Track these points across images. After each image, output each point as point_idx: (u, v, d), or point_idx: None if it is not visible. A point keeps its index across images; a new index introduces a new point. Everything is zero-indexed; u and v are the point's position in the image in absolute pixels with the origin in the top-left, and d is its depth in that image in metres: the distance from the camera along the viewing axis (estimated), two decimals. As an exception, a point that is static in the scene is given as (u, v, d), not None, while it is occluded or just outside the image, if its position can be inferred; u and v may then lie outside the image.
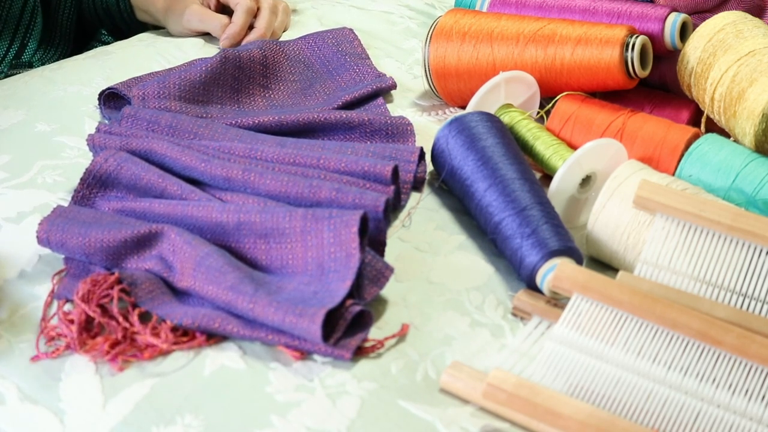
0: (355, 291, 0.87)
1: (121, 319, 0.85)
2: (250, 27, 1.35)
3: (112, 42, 1.49)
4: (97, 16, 1.50)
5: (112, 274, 0.88)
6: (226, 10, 1.38)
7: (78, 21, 1.51)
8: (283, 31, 1.41)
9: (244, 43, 1.32)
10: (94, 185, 1.00)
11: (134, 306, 0.87)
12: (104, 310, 0.86)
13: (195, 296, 0.89)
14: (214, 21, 1.34)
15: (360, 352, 0.85)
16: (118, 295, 0.86)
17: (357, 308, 0.85)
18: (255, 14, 1.35)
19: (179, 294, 0.90)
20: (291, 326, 0.82)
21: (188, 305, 0.88)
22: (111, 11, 1.46)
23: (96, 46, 1.53)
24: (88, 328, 0.85)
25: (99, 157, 1.00)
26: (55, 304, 0.89)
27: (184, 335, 0.85)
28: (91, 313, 0.85)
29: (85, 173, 1.00)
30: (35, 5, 1.39)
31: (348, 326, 0.86)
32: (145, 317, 0.87)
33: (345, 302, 0.85)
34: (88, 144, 1.04)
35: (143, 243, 0.91)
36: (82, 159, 1.08)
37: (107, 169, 0.99)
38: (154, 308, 0.87)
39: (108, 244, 0.91)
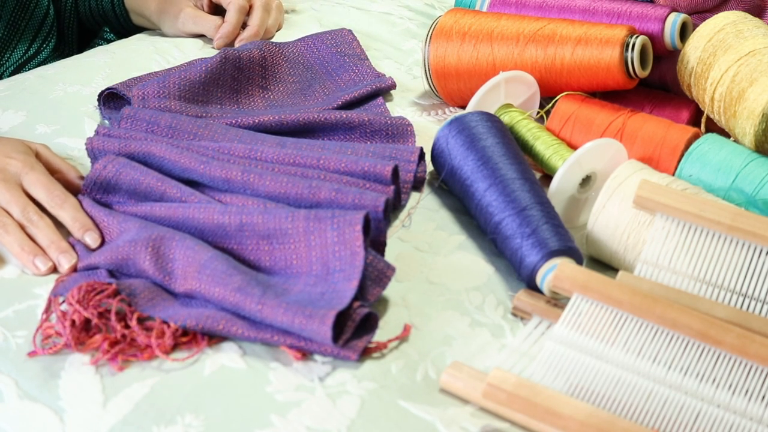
0: (359, 292, 0.87)
1: (119, 326, 0.85)
2: (244, 25, 1.35)
3: (115, 39, 1.49)
4: (95, 22, 1.50)
5: (110, 284, 0.88)
6: (219, 10, 1.39)
7: (79, 22, 1.52)
8: (278, 30, 1.41)
9: (237, 41, 1.33)
10: (94, 192, 1.00)
11: (133, 311, 0.86)
12: (101, 315, 0.86)
13: (198, 298, 0.88)
14: (208, 22, 1.35)
15: (362, 353, 0.85)
16: (117, 304, 0.86)
17: (365, 310, 0.85)
18: (248, 12, 1.36)
19: (180, 298, 0.90)
20: (300, 327, 0.82)
21: (191, 307, 0.88)
22: (107, 17, 1.47)
23: (99, 44, 1.54)
24: (86, 328, 0.85)
25: (98, 164, 1.00)
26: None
27: (184, 335, 0.85)
28: (87, 315, 0.85)
29: (85, 181, 1.00)
30: (53, 12, 1.42)
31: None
32: (146, 319, 0.87)
33: (352, 303, 0.85)
34: (86, 148, 1.04)
35: (143, 252, 0.91)
36: (84, 160, 1.08)
37: (106, 175, 0.99)
38: (157, 313, 0.87)
39: (108, 253, 0.92)
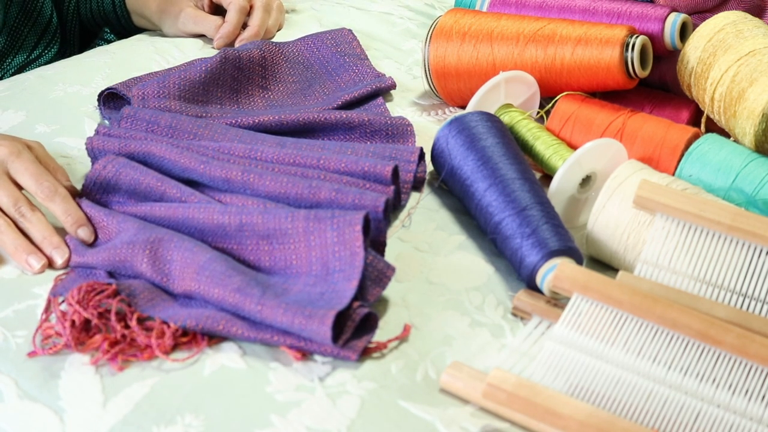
0: (358, 292, 0.87)
1: (119, 327, 0.85)
2: (244, 26, 1.35)
3: (116, 40, 1.49)
4: (95, 23, 1.51)
5: (110, 284, 0.88)
6: (219, 10, 1.39)
7: (80, 24, 1.52)
8: (278, 30, 1.41)
9: (238, 41, 1.33)
10: (94, 192, 1.00)
11: (133, 312, 0.86)
12: (101, 315, 0.86)
13: (198, 299, 0.88)
14: (209, 22, 1.35)
15: (362, 353, 0.85)
16: (117, 305, 0.86)
17: (364, 310, 0.85)
18: (248, 12, 1.36)
19: (180, 298, 0.90)
20: (300, 328, 0.82)
21: (191, 308, 0.88)
22: (108, 18, 1.47)
23: (99, 44, 1.54)
24: (86, 328, 0.85)
25: (98, 164, 1.00)
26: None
27: (184, 335, 0.85)
28: (87, 315, 0.85)
29: (85, 181, 1.00)
30: (57, 19, 1.42)
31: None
32: (146, 319, 0.87)
33: (352, 303, 0.85)
34: (86, 148, 1.04)
35: (140, 255, 0.91)
36: (84, 159, 1.08)
37: (106, 176, 0.99)
38: (156, 313, 0.87)
39: (105, 254, 0.92)
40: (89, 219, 0.96)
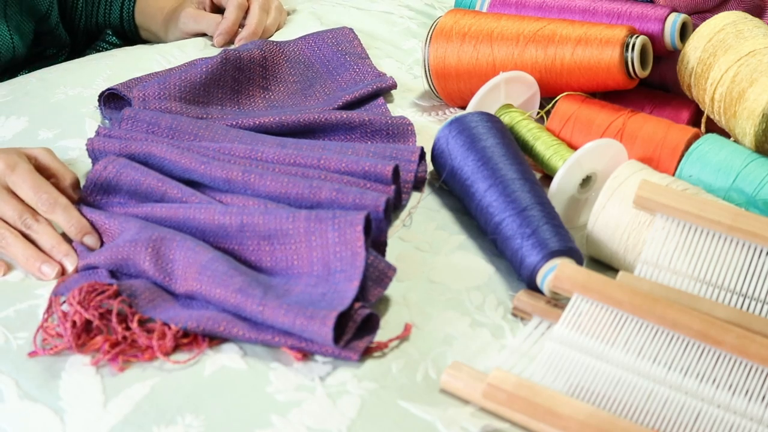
0: (360, 292, 0.87)
1: (120, 328, 0.85)
2: (242, 25, 1.36)
3: (117, 41, 1.50)
4: (99, 32, 1.52)
5: (111, 285, 0.88)
6: (220, 12, 1.39)
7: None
8: (277, 29, 1.41)
9: (237, 40, 1.33)
10: (95, 193, 1.00)
11: (134, 313, 0.86)
12: (102, 316, 0.86)
13: (199, 300, 0.88)
14: (209, 20, 1.36)
15: (362, 353, 0.85)
16: (118, 305, 0.86)
17: (366, 311, 0.85)
18: (247, 10, 1.37)
19: (181, 299, 0.90)
20: (301, 328, 0.82)
21: (192, 309, 0.88)
22: (115, 29, 1.48)
23: (102, 45, 1.55)
24: (87, 329, 0.85)
25: (98, 165, 1.00)
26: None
27: (185, 336, 0.85)
28: (88, 316, 0.85)
29: (86, 182, 1.00)
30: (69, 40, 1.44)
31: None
32: (147, 320, 0.87)
33: (353, 304, 0.85)
34: (87, 149, 1.04)
35: (143, 253, 0.91)
36: (84, 159, 1.08)
37: (107, 176, 0.99)
38: (157, 314, 0.86)
39: (108, 253, 0.92)
40: (92, 225, 0.96)
